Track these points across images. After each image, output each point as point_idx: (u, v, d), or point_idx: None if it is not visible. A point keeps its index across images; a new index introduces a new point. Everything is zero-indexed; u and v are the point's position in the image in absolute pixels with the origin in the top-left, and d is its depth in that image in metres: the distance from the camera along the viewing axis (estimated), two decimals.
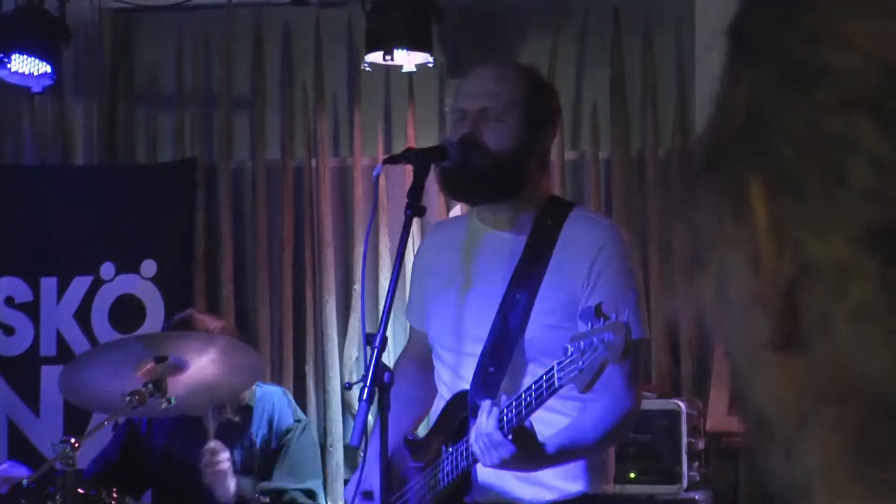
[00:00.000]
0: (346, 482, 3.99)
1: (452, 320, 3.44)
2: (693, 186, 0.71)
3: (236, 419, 5.10)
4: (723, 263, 0.68)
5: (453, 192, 3.62)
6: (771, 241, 0.65)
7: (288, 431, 5.16)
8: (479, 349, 3.34)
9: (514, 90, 3.40)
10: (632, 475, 5.12)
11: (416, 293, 3.71)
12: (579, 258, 3.34)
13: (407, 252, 3.96)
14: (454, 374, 3.43)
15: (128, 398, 4.29)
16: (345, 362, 5.92)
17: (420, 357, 3.66)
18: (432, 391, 3.59)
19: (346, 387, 5.27)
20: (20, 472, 4.79)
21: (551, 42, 5.79)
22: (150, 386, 4.35)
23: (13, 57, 5.81)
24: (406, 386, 3.58)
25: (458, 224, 3.72)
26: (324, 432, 5.82)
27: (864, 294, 0.62)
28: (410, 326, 3.88)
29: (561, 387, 3.02)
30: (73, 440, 4.09)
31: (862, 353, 0.62)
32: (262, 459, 5.11)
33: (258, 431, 5.14)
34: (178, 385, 4.49)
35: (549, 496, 3.34)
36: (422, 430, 3.87)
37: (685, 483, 5.05)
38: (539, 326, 3.30)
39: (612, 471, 3.54)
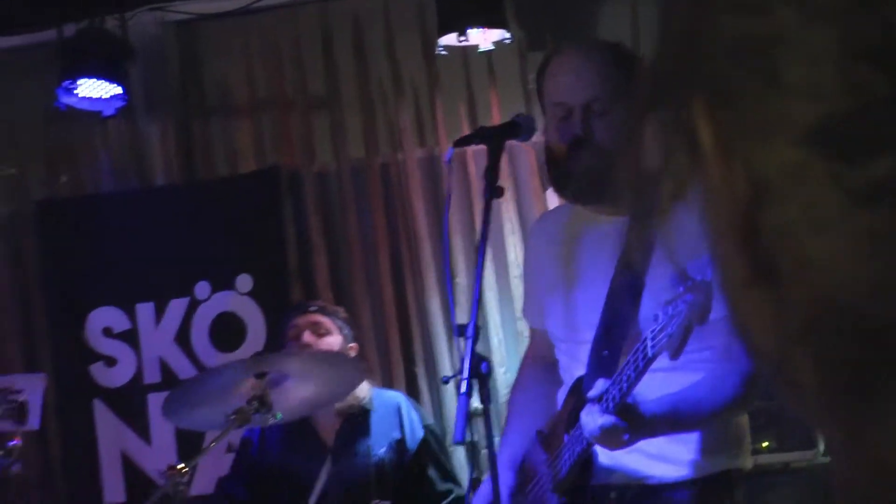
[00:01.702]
0: (472, 481, 4.01)
1: (565, 311, 3.50)
2: (641, 128, 0.71)
3: (353, 427, 5.20)
4: (686, 201, 0.69)
5: (569, 194, 3.57)
6: (719, 161, 0.65)
7: (424, 439, 5.26)
8: (592, 335, 3.37)
9: (614, 78, 3.39)
10: (765, 444, 5.10)
11: (529, 291, 3.80)
12: None
13: (491, 234, 3.96)
14: (573, 363, 3.49)
15: (232, 417, 4.41)
16: (454, 359, 5.94)
17: (542, 354, 3.73)
18: (558, 387, 3.63)
19: (444, 381, 5.35)
20: None
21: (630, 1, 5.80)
22: (254, 403, 4.47)
23: (80, 82, 5.97)
24: (532, 385, 3.66)
25: (561, 214, 3.74)
26: (442, 433, 5.89)
27: (819, 198, 0.62)
28: (530, 326, 3.95)
29: (654, 356, 3.02)
30: (180, 467, 4.19)
31: (831, 268, 0.62)
32: (398, 477, 5.22)
33: (378, 444, 5.22)
34: (282, 398, 4.58)
35: (680, 473, 3.36)
36: None
37: (822, 447, 5.00)
38: (653, 305, 3.28)
39: (748, 444, 3.52)
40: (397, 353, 6.14)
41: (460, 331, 3.27)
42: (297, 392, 4.66)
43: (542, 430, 3.58)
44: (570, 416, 3.37)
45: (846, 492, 0.67)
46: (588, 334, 3.37)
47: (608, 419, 3.10)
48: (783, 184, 0.62)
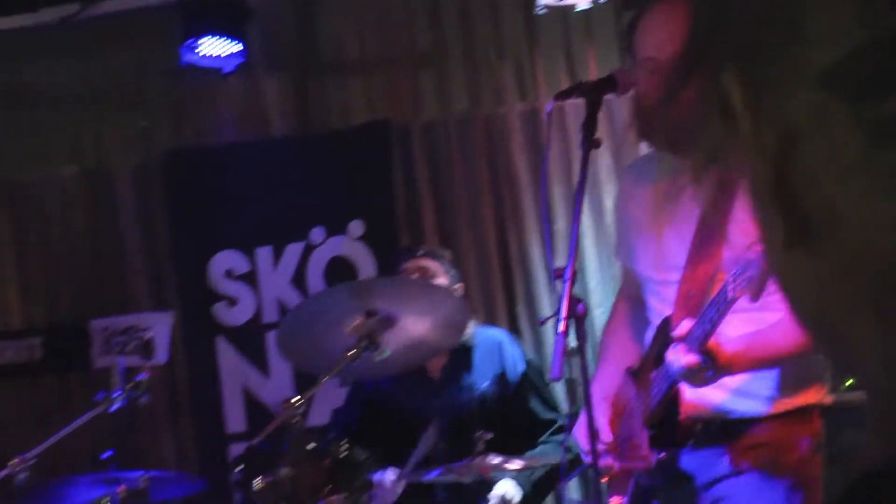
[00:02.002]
0: (570, 416, 4.03)
1: (653, 253, 3.52)
2: (678, 100, 0.74)
3: (457, 363, 5.26)
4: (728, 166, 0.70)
5: (657, 144, 3.55)
6: (748, 116, 0.66)
7: (525, 373, 5.32)
8: (678, 277, 3.38)
9: None
10: (848, 382, 5.08)
11: (620, 233, 3.82)
12: None
13: (588, 183, 3.98)
14: (659, 303, 3.51)
15: (344, 355, 4.48)
16: (553, 300, 5.96)
17: (632, 294, 3.76)
18: (647, 325, 3.64)
19: (540, 322, 5.40)
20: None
21: None
22: (364, 341, 4.53)
23: (202, 41, 6.07)
24: (622, 324, 3.69)
25: (651, 161, 3.74)
26: (542, 368, 5.92)
27: (841, 139, 0.62)
28: (622, 266, 3.97)
29: (736, 298, 3.01)
30: (295, 400, 4.28)
31: (858, 213, 0.62)
32: (500, 410, 5.27)
33: (481, 379, 5.28)
34: (390, 337, 4.61)
35: (761, 408, 3.36)
36: None
37: None
38: (735, 249, 3.23)
39: (828, 380, 3.50)
40: (500, 294, 6.21)
41: (558, 274, 3.26)
42: (407, 331, 4.72)
43: (632, 367, 3.61)
44: (658, 354, 3.39)
45: (882, 419, 0.67)
46: (674, 275, 3.38)
47: (692, 358, 3.12)
48: (807, 129, 0.62)
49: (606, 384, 3.63)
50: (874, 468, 0.64)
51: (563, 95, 3.62)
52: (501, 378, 5.31)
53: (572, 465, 4.91)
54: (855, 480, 0.64)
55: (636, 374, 3.55)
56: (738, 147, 0.66)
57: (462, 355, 5.30)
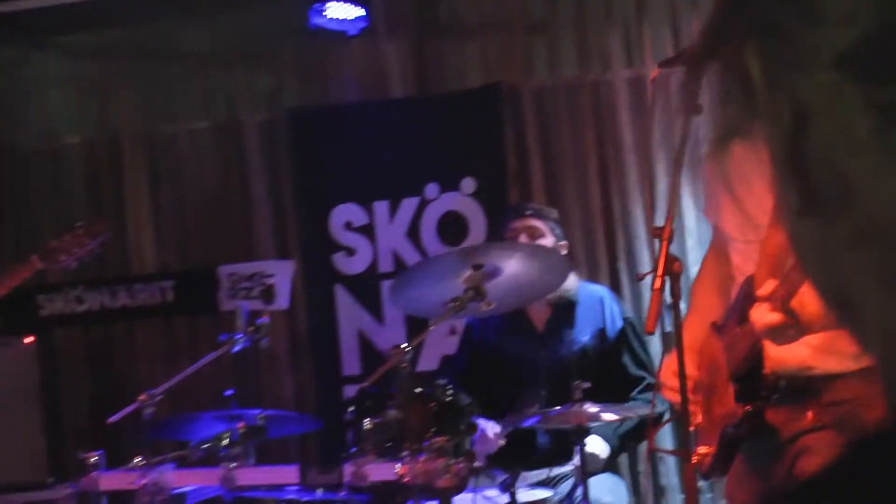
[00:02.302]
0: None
1: (738, 212, 3.44)
2: (701, 76, 0.74)
3: (561, 317, 5.29)
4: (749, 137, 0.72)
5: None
6: (766, 92, 0.67)
7: (622, 329, 5.33)
8: (762, 235, 3.28)
9: None
10: None
11: (708, 192, 3.75)
12: None
13: (688, 147, 3.95)
14: (744, 261, 3.44)
15: (450, 304, 4.53)
16: (652, 258, 5.96)
17: (720, 249, 3.68)
18: (732, 282, 3.55)
19: (637, 278, 5.39)
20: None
21: None
22: (469, 292, 4.57)
23: (329, 5, 6.12)
24: (709, 280, 3.66)
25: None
26: (640, 324, 5.91)
27: (852, 118, 0.62)
28: (711, 224, 3.88)
29: None
30: (403, 346, 4.33)
31: (869, 188, 0.62)
32: (599, 362, 5.29)
33: (582, 332, 5.30)
34: (495, 288, 4.66)
35: (844, 365, 3.26)
36: None
37: None
38: None
39: None
40: (602, 251, 6.22)
41: (656, 233, 3.24)
42: (509, 284, 4.75)
43: (717, 322, 3.59)
44: (742, 311, 3.37)
45: (884, 370, 0.69)
46: (758, 235, 3.32)
47: (776, 317, 3.07)
48: (820, 107, 0.63)
49: (692, 335, 3.61)
50: (879, 432, 0.64)
51: (667, 64, 3.60)
52: (601, 333, 5.35)
53: (661, 419, 4.94)
54: (861, 443, 0.64)
55: (720, 330, 3.53)
56: (756, 120, 0.67)
57: (566, 310, 5.34)
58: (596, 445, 5.09)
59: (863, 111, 0.61)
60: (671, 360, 3.42)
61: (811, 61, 0.62)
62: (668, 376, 3.47)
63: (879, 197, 0.62)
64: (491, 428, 5.00)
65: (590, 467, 4.90)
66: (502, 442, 4.99)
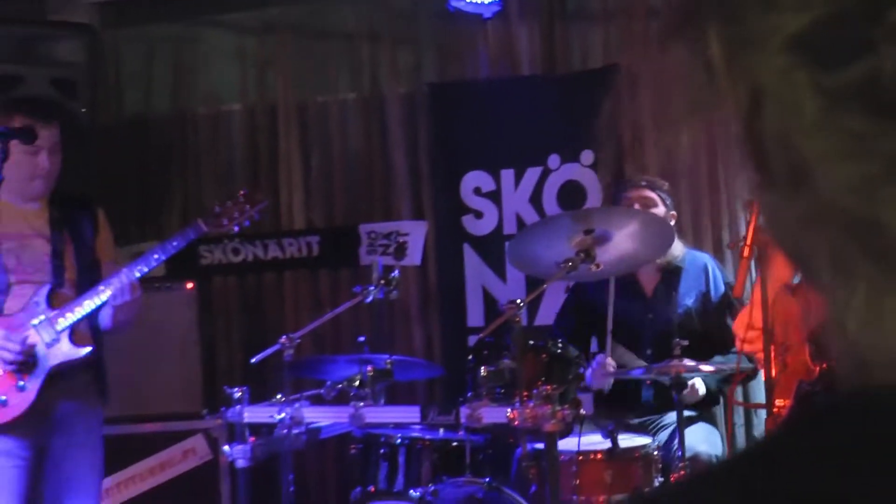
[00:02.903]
0: None
1: None
2: (664, 53, 0.69)
3: (668, 282, 5.27)
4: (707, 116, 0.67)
5: None
6: (726, 74, 0.64)
7: (725, 293, 5.30)
8: None
9: None
10: None
11: None
12: None
13: None
14: None
15: (562, 265, 4.54)
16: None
17: None
18: None
19: (729, 246, 5.35)
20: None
21: None
22: (581, 254, 4.58)
23: None
24: None
25: None
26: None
27: (803, 102, 0.60)
28: None
29: None
30: (518, 301, 4.35)
31: (821, 168, 0.60)
32: (701, 323, 5.27)
33: (687, 295, 5.29)
34: (605, 252, 4.68)
35: None
36: None
37: None
38: None
39: None
40: (707, 221, 6.17)
41: (748, 205, 3.27)
42: (618, 248, 4.74)
43: (789, 283, 3.55)
44: None
45: (827, 342, 0.66)
46: None
47: None
48: (773, 90, 0.61)
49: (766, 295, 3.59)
50: (825, 403, 0.63)
51: None
52: (704, 296, 5.34)
53: (754, 374, 4.91)
54: (805, 413, 0.65)
55: (794, 291, 3.50)
56: (717, 100, 0.66)
57: (672, 275, 5.33)
58: (696, 381, 5.09)
59: (811, 94, 0.60)
60: (744, 314, 3.42)
61: (766, 45, 0.61)
62: (740, 328, 3.46)
63: (831, 181, 0.61)
64: (609, 363, 5.02)
65: (687, 399, 4.92)
66: (611, 381, 5.01)
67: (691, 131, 0.68)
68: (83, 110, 6.00)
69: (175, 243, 4.63)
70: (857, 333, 0.62)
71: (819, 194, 0.61)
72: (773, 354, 3.48)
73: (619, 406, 5.30)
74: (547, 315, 6.07)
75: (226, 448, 4.83)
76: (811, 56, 0.60)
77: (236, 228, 4.82)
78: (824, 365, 3.37)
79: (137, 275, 4.54)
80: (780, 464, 0.60)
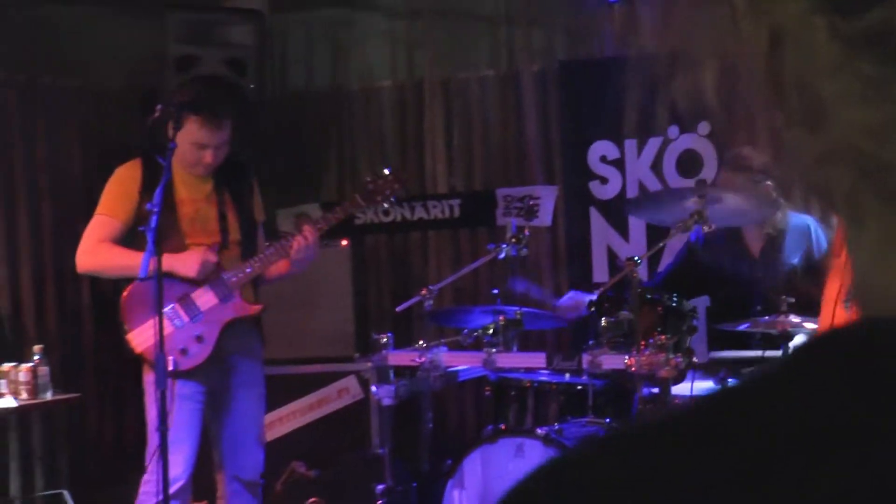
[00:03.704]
0: None
1: None
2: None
3: (773, 244, 5.19)
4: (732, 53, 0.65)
5: None
6: (748, 16, 0.62)
7: (827, 255, 5.22)
8: None
9: None
10: None
11: None
12: None
13: None
14: None
15: (679, 224, 4.52)
16: None
17: None
18: None
19: None
20: (584, 299, 5.07)
21: None
22: (694, 216, 4.54)
23: None
24: None
25: None
26: None
27: (821, 47, 0.58)
28: None
29: None
30: (636, 257, 4.34)
31: (840, 110, 0.58)
32: (805, 281, 5.16)
33: (791, 255, 5.20)
34: (716, 213, 4.63)
35: None
36: None
37: None
38: None
39: None
40: None
41: None
42: (727, 210, 4.69)
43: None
44: None
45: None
46: None
47: None
48: (792, 33, 0.59)
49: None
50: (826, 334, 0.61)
51: None
52: (808, 255, 5.23)
53: None
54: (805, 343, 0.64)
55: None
56: (739, 40, 0.62)
57: (777, 238, 5.24)
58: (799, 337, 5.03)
59: (830, 40, 0.58)
60: (834, 281, 3.36)
61: None
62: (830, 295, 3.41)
63: (848, 124, 0.58)
64: (581, 302, 5.02)
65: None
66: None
67: (713, 73, 0.65)
68: (251, 86, 6.10)
69: (338, 215, 4.71)
70: (867, 268, 0.61)
71: (835, 135, 0.59)
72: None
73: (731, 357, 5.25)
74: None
75: (373, 388, 4.91)
76: (829, 1, 0.57)
77: (387, 203, 4.87)
78: None
79: (317, 234, 4.64)
80: (778, 390, 0.60)
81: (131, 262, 4.39)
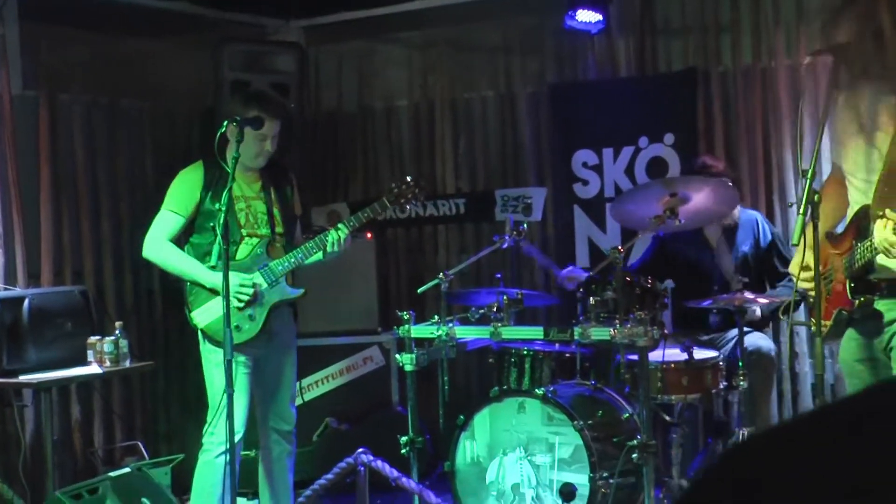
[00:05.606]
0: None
1: (861, 157, 3.19)
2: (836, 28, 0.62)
3: (728, 236, 5.14)
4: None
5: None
6: (894, 40, 0.58)
7: (771, 240, 5.16)
8: (878, 177, 3.10)
9: None
10: None
11: (835, 138, 3.44)
12: None
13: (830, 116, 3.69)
14: (861, 196, 3.20)
15: (652, 220, 4.43)
16: (798, 191, 5.68)
17: (838, 180, 3.38)
18: (846, 205, 3.31)
19: (789, 205, 5.14)
20: (580, 273, 5.02)
21: None
22: (667, 212, 4.46)
23: (578, 12, 5.96)
24: (829, 196, 3.38)
25: (862, 87, 3.40)
26: (786, 240, 5.66)
27: None
28: (833, 162, 3.52)
29: None
30: (619, 247, 4.26)
31: None
32: (755, 265, 5.11)
33: (743, 244, 5.17)
34: (685, 211, 4.57)
35: None
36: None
37: None
38: None
39: None
40: (762, 186, 5.94)
41: (803, 173, 3.08)
42: (695, 208, 4.62)
43: (832, 232, 3.40)
44: (858, 230, 3.19)
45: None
46: (875, 176, 3.12)
47: (891, 237, 2.95)
48: None
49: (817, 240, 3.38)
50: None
51: (815, 54, 3.38)
52: (756, 243, 5.19)
53: (800, 302, 4.71)
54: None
55: (836, 238, 3.34)
56: (885, 63, 0.57)
57: (731, 230, 5.20)
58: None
59: None
60: (797, 258, 3.31)
61: None
62: (795, 268, 3.34)
63: None
64: (576, 275, 5.03)
65: (748, 316, 4.94)
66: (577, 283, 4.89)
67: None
68: (293, 106, 6.02)
69: (367, 214, 4.57)
70: None
71: None
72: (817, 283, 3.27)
73: (694, 327, 5.20)
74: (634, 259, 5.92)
75: (396, 356, 4.83)
76: None
77: (409, 206, 4.74)
78: (862, 299, 3.20)
79: (350, 230, 4.52)
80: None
81: (184, 267, 4.40)
